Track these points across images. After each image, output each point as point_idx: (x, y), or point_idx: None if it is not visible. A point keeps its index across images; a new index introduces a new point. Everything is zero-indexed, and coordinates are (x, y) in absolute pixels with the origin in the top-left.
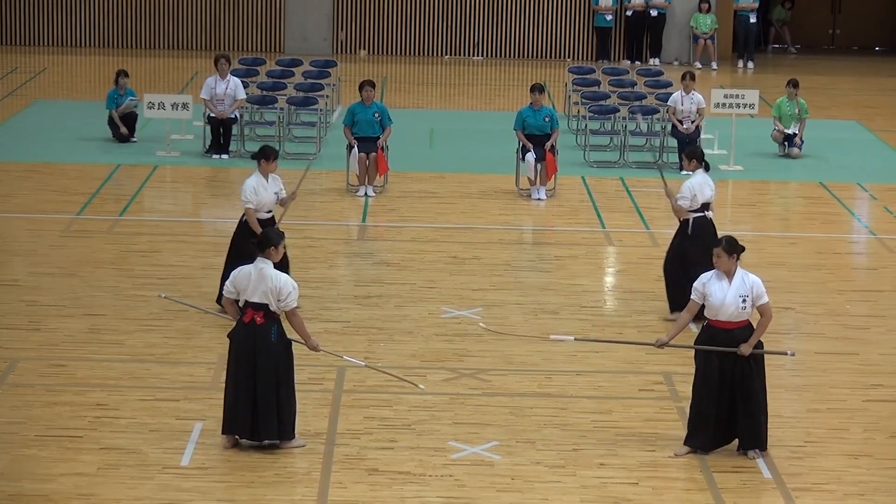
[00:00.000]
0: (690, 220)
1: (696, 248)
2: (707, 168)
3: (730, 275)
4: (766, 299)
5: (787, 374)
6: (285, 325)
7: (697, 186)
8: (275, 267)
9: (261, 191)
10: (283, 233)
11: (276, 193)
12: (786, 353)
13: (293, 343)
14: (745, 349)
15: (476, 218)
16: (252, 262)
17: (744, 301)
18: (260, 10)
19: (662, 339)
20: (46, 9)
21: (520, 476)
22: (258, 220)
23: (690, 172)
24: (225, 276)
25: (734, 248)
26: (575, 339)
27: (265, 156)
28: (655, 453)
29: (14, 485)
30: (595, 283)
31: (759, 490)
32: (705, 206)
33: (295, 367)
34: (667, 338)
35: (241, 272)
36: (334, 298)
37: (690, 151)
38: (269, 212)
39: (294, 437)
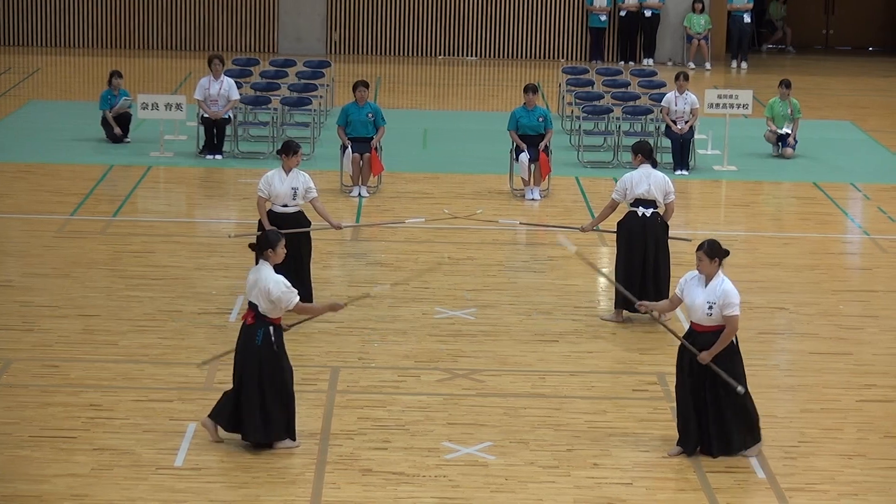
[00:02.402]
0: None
1: (620, 242)
2: (654, 164)
3: (708, 278)
4: (733, 311)
5: (781, 375)
6: (283, 327)
7: (630, 181)
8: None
9: (275, 182)
10: (281, 234)
11: (293, 189)
12: (737, 388)
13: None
14: (705, 357)
15: (470, 218)
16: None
17: (710, 308)
18: (253, 11)
19: (647, 305)
20: (40, 9)
21: (514, 476)
22: (273, 212)
23: (636, 167)
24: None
25: (715, 252)
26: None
27: (284, 150)
28: (649, 454)
29: (8, 486)
30: (589, 284)
31: (752, 490)
32: (640, 202)
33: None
34: (645, 308)
35: (250, 272)
36: (328, 299)
37: (637, 145)
38: (285, 206)
39: (286, 438)
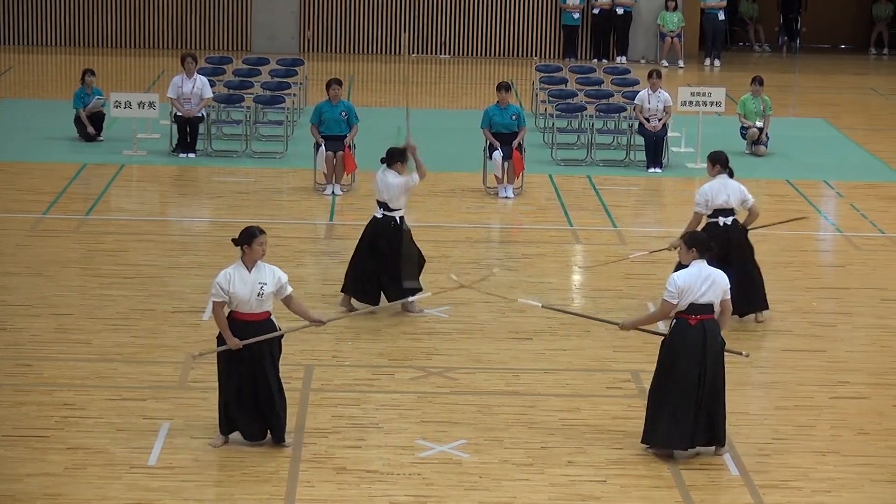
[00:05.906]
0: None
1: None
2: (731, 174)
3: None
4: (663, 295)
5: (755, 372)
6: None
7: (710, 192)
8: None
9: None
10: (261, 230)
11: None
12: (741, 354)
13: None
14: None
15: (443, 216)
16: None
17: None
18: (227, 9)
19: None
20: (11, 7)
21: (488, 474)
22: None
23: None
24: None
25: (692, 241)
26: (542, 306)
27: (402, 158)
28: (623, 451)
29: None
30: (563, 282)
31: (726, 487)
32: (719, 212)
33: (228, 373)
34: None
35: None
36: (301, 297)
37: (714, 155)
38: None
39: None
